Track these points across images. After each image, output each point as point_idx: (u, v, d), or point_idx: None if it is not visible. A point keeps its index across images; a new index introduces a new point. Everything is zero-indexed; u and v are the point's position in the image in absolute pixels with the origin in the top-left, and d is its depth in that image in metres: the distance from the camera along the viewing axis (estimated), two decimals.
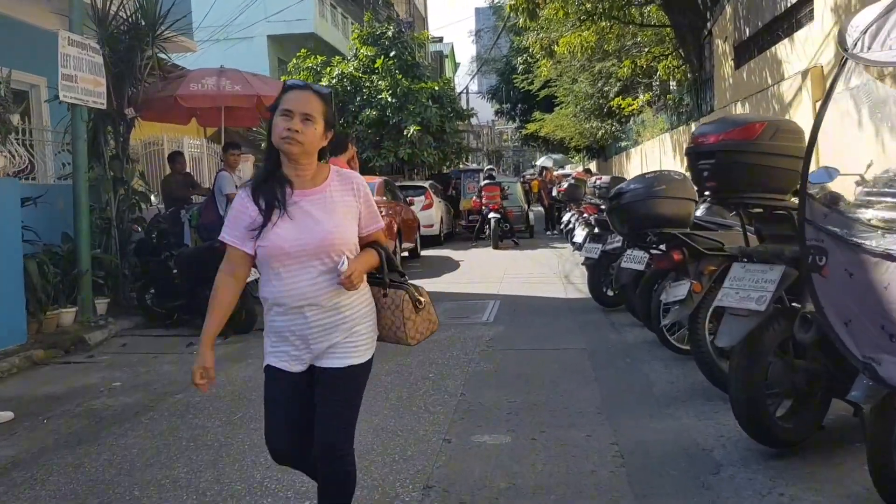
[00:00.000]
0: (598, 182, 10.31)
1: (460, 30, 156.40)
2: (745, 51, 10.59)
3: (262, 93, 8.37)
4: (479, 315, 7.56)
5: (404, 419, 4.18)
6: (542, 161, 32.48)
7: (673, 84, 17.72)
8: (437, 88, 19.78)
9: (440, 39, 57.90)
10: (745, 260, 3.35)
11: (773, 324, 3.24)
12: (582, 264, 8.11)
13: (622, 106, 16.79)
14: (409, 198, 15.02)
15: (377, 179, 13.15)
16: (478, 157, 59.42)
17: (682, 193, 4.77)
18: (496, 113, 37.38)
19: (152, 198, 7.97)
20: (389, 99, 19.08)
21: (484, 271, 11.92)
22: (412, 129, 18.39)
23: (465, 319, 7.38)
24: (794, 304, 3.38)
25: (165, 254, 7.88)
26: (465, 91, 33.17)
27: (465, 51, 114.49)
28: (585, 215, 11.75)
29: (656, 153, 16.86)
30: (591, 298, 7.75)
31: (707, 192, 3.33)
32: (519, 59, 29.97)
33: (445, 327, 6.93)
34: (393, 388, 4.87)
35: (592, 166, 38.21)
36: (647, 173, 5.16)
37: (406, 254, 14.46)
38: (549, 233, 19.25)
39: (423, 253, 15.65)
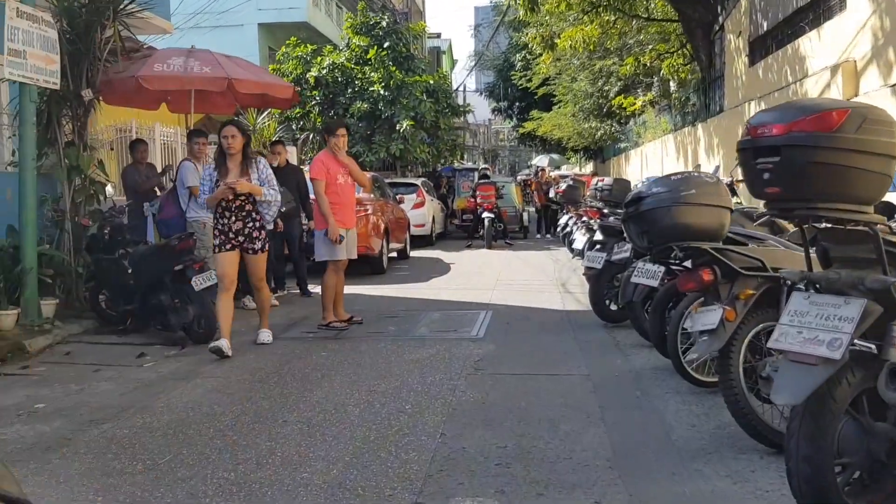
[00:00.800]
0: (599, 184, 9.55)
1: (459, 27, 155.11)
2: (761, 46, 9.85)
3: (234, 76, 7.57)
4: (467, 329, 6.78)
5: (369, 471, 3.39)
6: (538, 160, 31.71)
7: (673, 85, 17.00)
8: (431, 82, 18.99)
9: (438, 35, 57.19)
10: (810, 289, 2.58)
11: (847, 374, 2.47)
12: (583, 274, 7.31)
13: (623, 105, 16.05)
14: (399, 195, 14.21)
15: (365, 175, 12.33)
16: (474, 155, 58.75)
17: (715, 200, 3.99)
18: (493, 111, 36.57)
19: (108, 188, 7.16)
20: (382, 92, 18.28)
21: (475, 276, 11.14)
22: (405, 124, 17.59)
23: (451, 333, 6.59)
24: (869, 346, 2.59)
25: (120, 251, 7.06)
26: (461, 88, 32.35)
27: (464, 48, 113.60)
28: (585, 219, 11.00)
29: (658, 155, 16.12)
30: (593, 312, 6.97)
31: (767, 200, 2.54)
32: (517, 55, 29.24)
33: (429, 343, 6.14)
34: (361, 424, 4.08)
35: (588, 168, 37.50)
36: (674, 175, 4.37)
37: (395, 254, 13.67)
38: (540, 236, 18.47)
39: (413, 254, 14.85)
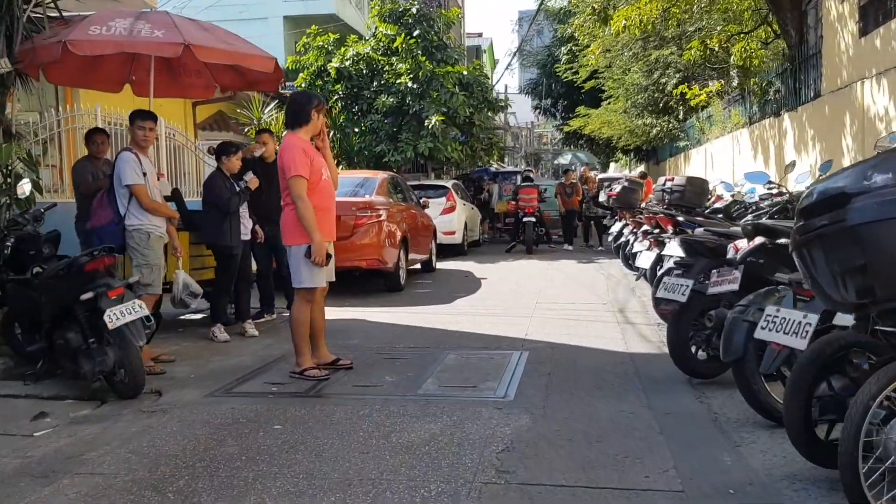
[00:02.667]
0: (668, 184, 7.55)
1: (500, 27, 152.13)
2: (880, 9, 7.70)
3: (193, 42, 5.78)
4: (492, 382, 4.83)
5: None
6: (565, 160, 29.27)
7: (732, 74, 14.76)
8: (465, 73, 17.08)
9: (479, 34, 55.34)
10: None
11: None
12: (657, 308, 5.23)
13: (687, 95, 13.89)
14: (424, 199, 12.33)
15: (379, 176, 10.50)
16: (515, 158, 56.63)
17: None
18: (535, 108, 34.46)
19: (24, 186, 5.44)
20: (410, 84, 16.48)
21: (510, 295, 9.17)
22: (434, 120, 15.73)
23: (469, 391, 4.65)
24: None
25: (36, 269, 5.31)
26: (500, 85, 30.38)
27: (505, 48, 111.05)
28: (646, 228, 8.97)
29: (727, 153, 13.94)
30: (668, 356, 4.97)
31: None
32: (562, 49, 27.16)
33: (435, 410, 4.22)
34: None
35: (638, 170, 35.10)
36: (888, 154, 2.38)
37: (418, 266, 11.80)
38: (569, 247, 16.25)
39: (441, 265, 12.96)
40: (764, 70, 13.70)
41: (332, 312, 8.09)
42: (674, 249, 6.55)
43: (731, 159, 13.62)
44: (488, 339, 6.38)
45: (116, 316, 4.39)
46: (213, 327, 6.55)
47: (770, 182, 6.40)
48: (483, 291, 9.67)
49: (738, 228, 4.84)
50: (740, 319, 3.71)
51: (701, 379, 4.73)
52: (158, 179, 5.96)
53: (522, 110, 58.96)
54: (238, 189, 6.61)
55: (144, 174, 5.46)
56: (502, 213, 19.54)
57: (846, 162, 7.80)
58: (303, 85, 17.18)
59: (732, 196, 8.70)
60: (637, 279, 7.75)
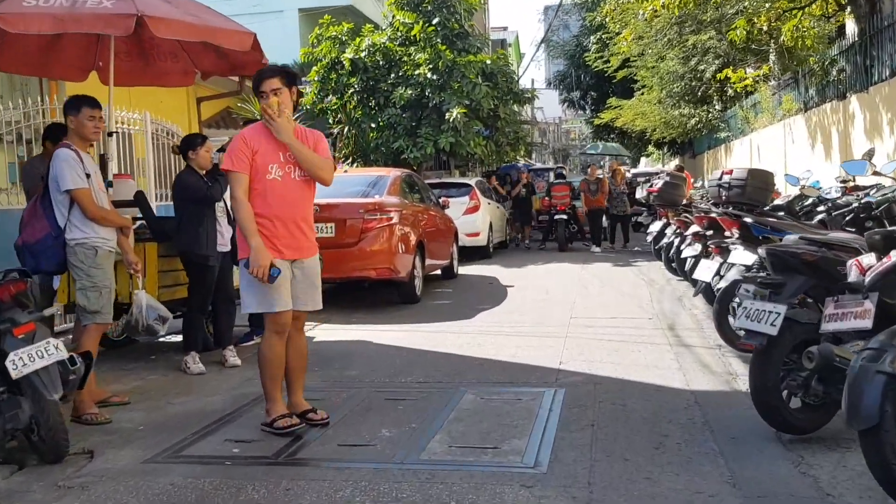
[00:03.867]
0: (725, 177, 6.36)
1: (527, 21, 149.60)
2: None
3: (149, 13, 4.75)
4: (518, 440, 3.70)
5: None
6: (594, 150, 27.77)
7: (774, 58, 13.42)
8: (489, 62, 15.92)
9: (504, 28, 54.08)
10: None
11: None
12: (742, 343, 3.93)
13: (732, 79, 12.58)
14: (444, 199, 11.22)
15: (391, 173, 9.41)
16: (543, 155, 55.25)
17: None
18: (563, 101, 33.12)
19: None
20: (429, 75, 15.36)
21: (540, 307, 8.03)
22: (455, 112, 14.60)
23: (487, 454, 3.52)
24: None
25: None
26: (526, 78, 29.15)
27: (531, 41, 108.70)
28: (696, 229, 7.77)
29: (778, 143, 12.62)
30: (749, 403, 3.80)
31: None
32: (591, 38, 25.86)
33: (441, 493, 3.10)
34: None
35: (672, 164, 33.52)
36: None
37: (438, 272, 10.72)
38: (596, 249, 14.78)
39: (464, 270, 11.86)
40: (816, 51, 12.36)
41: (334, 332, 7.05)
42: (742, 258, 5.38)
43: (782, 150, 12.30)
44: (515, 370, 5.25)
45: (23, 361, 3.36)
46: (186, 356, 5.52)
47: (867, 171, 5.16)
48: (509, 302, 8.54)
49: (845, 236, 3.65)
50: (872, 370, 2.55)
51: (794, 434, 3.56)
52: (108, 184, 4.93)
53: (550, 105, 57.63)
54: (216, 180, 5.56)
55: (88, 176, 4.42)
56: (536, 210, 18.74)
57: None
58: (315, 79, 16.22)
59: (801, 190, 7.48)
60: (696, 294, 6.52)
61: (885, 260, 2.74)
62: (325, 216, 8.13)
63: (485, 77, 15.67)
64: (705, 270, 5.75)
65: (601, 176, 15.28)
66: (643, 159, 45.22)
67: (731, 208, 6.92)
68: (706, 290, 6.09)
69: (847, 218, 5.68)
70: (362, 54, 15.83)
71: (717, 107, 19.42)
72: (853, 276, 2.93)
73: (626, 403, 4.30)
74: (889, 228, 2.87)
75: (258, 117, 11.49)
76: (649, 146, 35.04)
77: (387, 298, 8.80)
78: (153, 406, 4.62)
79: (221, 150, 6.46)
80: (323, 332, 7.05)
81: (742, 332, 4.17)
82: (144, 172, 9.23)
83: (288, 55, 18.75)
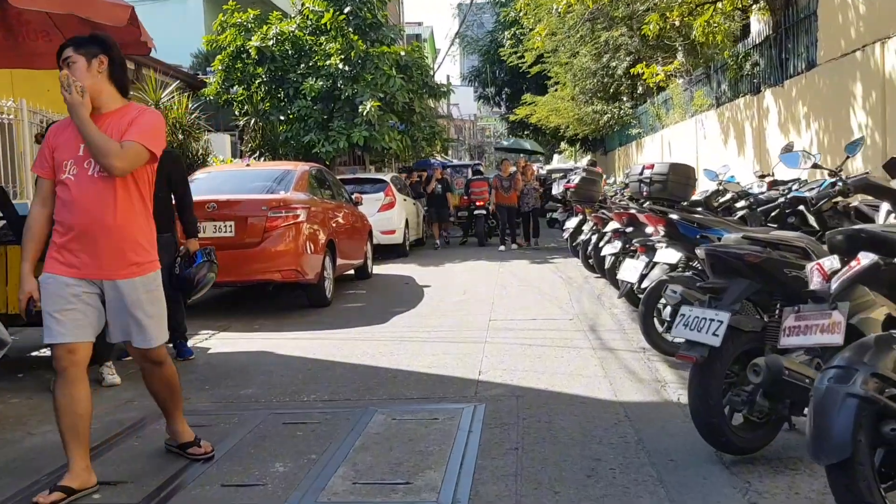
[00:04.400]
0: (646, 172, 6.11)
1: (441, 17, 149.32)
2: None
3: None
4: (435, 470, 3.24)
5: None
6: (503, 143, 27.54)
7: (680, 55, 13.56)
8: (403, 54, 15.43)
9: (419, 23, 53.60)
10: None
11: None
12: (682, 355, 3.56)
13: (644, 75, 12.55)
14: (357, 195, 10.67)
15: (298, 168, 8.78)
16: (459, 152, 55.16)
17: None
18: (478, 97, 32.98)
19: None
20: (341, 66, 14.75)
21: (459, 309, 7.62)
22: (369, 106, 14.04)
23: (399, 493, 3.04)
24: None
25: None
26: (441, 74, 28.78)
27: (446, 36, 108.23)
28: (615, 226, 7.54)
29: (689, 139, 12.68)
30: (687, 418, 3.49)
31: None
32: (506, 33, 25.74)
33: None
34: None
35: (584, 161, 33.90)
36: None
37: (352, 272, 10.17)
38: (502, 248, 14.19)
39: (380, 269, 11.36)
40: (725, 47, 12.49)
41: (234, 342, 6.41)
42: (668, 257, 5.10)
43: (693, 146, 12.37)
44: (431, 382, 4.79)
45: None
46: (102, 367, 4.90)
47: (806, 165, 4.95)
48: (425, 304, 8.09)
49: (788, 234, 3.37)
50: (842, 393, 2.22)
51: (736, 454, 3.25)
52: None
53: (466, 102, 57.58)
54: None
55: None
56: (455, 207, 18.79)
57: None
58: (220, 68, 15.31)
59: (720, 185, 7.33)
60: (620, 296, 6.20)
61: (853, 264, 2.42)
62: (224, 214, 7.47)
63: (399, 70, 15.18)
64: (630, 271, 5.46)
65: (514, 172, 14.68)
66: (556, 156, 45.79)
67: (650, 204, 6.71)
68: (629, 292, 5.80)
69: (772, 214, 5.50)
70: (270, 43, 15.04)
71: (628, 104, 19.57)
72: (816, 282, 2.60)
73: (552, 420, 3.91)
74: (854, 227, 2.54)
75: (148, 104, 10.65)
76: (562, 143, 35.42)
77: (294, 302, 8.20)
78: (6, 439, 3.92)
79: (38, 140, 5.74)
80: (221, 343, 6.40)
81: (676, 340, 3.86)
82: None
83: (192, 44, 17.73)
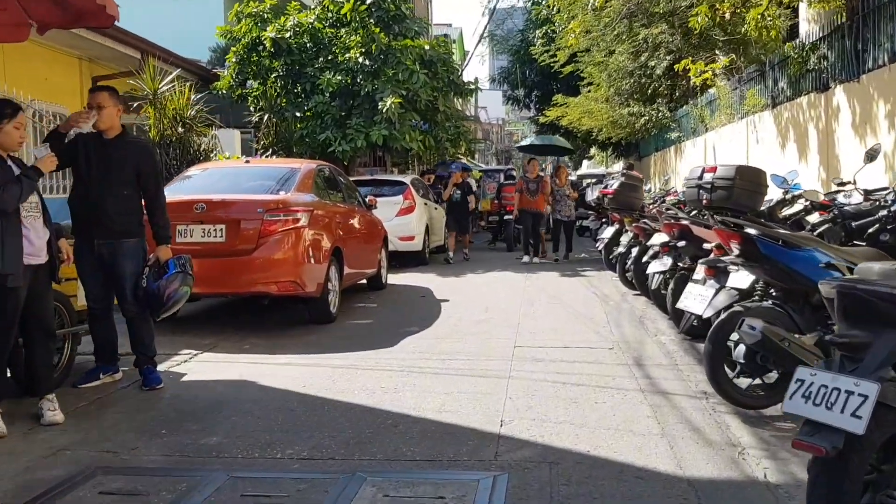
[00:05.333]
0: (706, 176, 5.09)
1: (471, 19, 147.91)
2: None
3: None
4: None
5: None
6: (527, 141, 24.44)
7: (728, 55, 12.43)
8: (427, 48, 14.48)
9: (448, 25, 52.78)
10: None
11: None
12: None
13: (691, 72, 11.47)
14: (371, 198, 9.72)
15: (304, 166, 7.83)
16: (486, 156, 54.13)
17: None
18: (506, 98, 31.92)
19: None
20: (361, 60, 13.85)
21: (479, 330, 6.62)
22: (390, 102, 13.11)
23: None
24: None
25: None
26: (469, 75, 27.77)
27: (473, 35, 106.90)
28: (663, 238, 6.51)
29: (739, 143, 11.56)
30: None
31: None
32: (537, 32, 24.69)
33: None
34: None
35: (617, 166, 32.66)
36: None
37: (364, 281, 9.25)
38: (527, 258, 12.56)
39: (394, 279, 10.40)
40: (777, 43, 11.35)
41: (216, 367, 5.45)
42: (740, 281, 4.07)
43: (743, 150, 11.24)
44: (440, 435, 3.79)
45: None
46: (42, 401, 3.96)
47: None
48: (442, 324, 7.10)
49: None
50: None
51: None
52: None
53: (494, 105, 56.63)
54: (19, 172, 3.97)
55: None
56: (485, 211, 18.54)
57: None
58: (234, 60, 14.50)
59: (790, 194, 6.27)
60: (682, 330, 4.97)
61: None
62: (214, 216, 6.56)
63: (423, 65, 14.24)
64: (696, 300, 4.39)
65: (543, 175, 13.39)
66: (585, 162, 44.50)
67: (710, 214, 5.66)
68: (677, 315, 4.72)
69: (869, 231, 4.43)
70: (287, 35, 14.20)
71: (666, 106, 18.42)
72: None
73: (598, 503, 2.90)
74: None
75: (147, 93, 9.82)
76: (592, 148, 34.21)
77: (295, 317, 7.28)
78: None
79: (47, 139, 4.86)
80: (200, 367, 5.48)
81: (756, 392, 2.82)
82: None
83: (211, 38, 16.91)
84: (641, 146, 22.70)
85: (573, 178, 20.99)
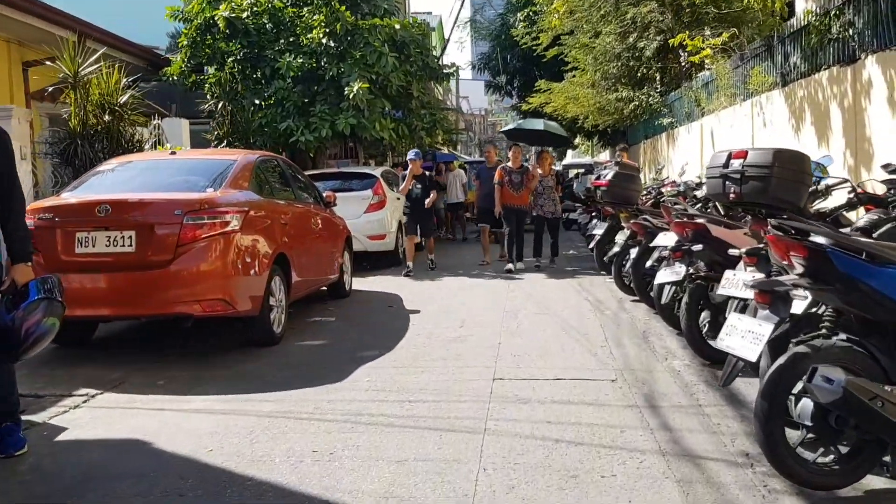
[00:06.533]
0: (734, 164, 4.01)
1: (451, 5, 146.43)
2: None
3: None
4: None
5: None
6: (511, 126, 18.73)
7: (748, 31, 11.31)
8: (398, 27, 13.21)
9: (428, 13, 51.36)
10: None
11: None
12: None
13: (688, 48, 10.29)
14: (329, 193, 8.47)
15: (242, 157, 6.56)
16: (469, 148, 52.82)
17: None
18: (487, 86, 30.65)
19: None
20: (325, 41, 12.58)
21: (451, 353, 5.43)
22: (357, 87, 11.86)
23: None
24: None
25: None
26: (443, 54, 26.49)
27: (449, 17, 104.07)
28: (672, 239, 5.36)
29: (743, 128, 10.43)
30: None
31: None
32: (518, 15, 23.45)
33: None
34: None
35: (602, 156, 31.49)
36: None
37: (324, 288, 8.07)
38: (511, 265, 10.28)
39: (361, 285, 9.22)
40: (776, 20, 10.25)
41: (110, 414, 4.14)
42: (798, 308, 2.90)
43: (748, 135, 10.10)
44: None
45: None
46: None
47: None
48: (407, 344, 5.90)
49: None
50: None
51: None
52: None
53: (475, 96, 55.30)
54: None
55: None
56: (470, 204, 17.04)
57: None
58: (185, 43, 13.19)
59: (823, 185, 5.13)
60: (726, 382, 3.59)
61: None
62: (121, 220, 5.32)
63: (394, 47, 12.98)
64: (746, 339, 3.09)
65: (527, 165, 11.17)
66: (570, 152, 43.34)
67: (731, 211, 4.52)
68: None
69: None
70: (243, 14, 12.89)
71: (657, 90, 17.29)
72: None
73: None
74: None
75: (66, 75, 8.49)
76: (577, 137, 33.04)
77: (230, 338, 6.06)
78: None
79: None
80: (91, 415, 4.25)
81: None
82: None
83: (169, 24, 15.48)
84: (629, 134, 21.56)
85: (557, 168, 19.52)
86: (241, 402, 4.42)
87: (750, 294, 3.23)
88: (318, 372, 5.10)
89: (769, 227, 3.09)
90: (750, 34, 11.49)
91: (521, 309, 7.38)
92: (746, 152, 4.12)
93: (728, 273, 4.17)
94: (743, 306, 3.72)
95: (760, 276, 3.67)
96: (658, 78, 17.67)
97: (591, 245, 9.78)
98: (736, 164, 4.13)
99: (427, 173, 10.50)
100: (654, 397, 4.29)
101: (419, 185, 10.51)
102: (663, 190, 9.99)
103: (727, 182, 4.17)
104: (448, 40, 25.79)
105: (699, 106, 13.02)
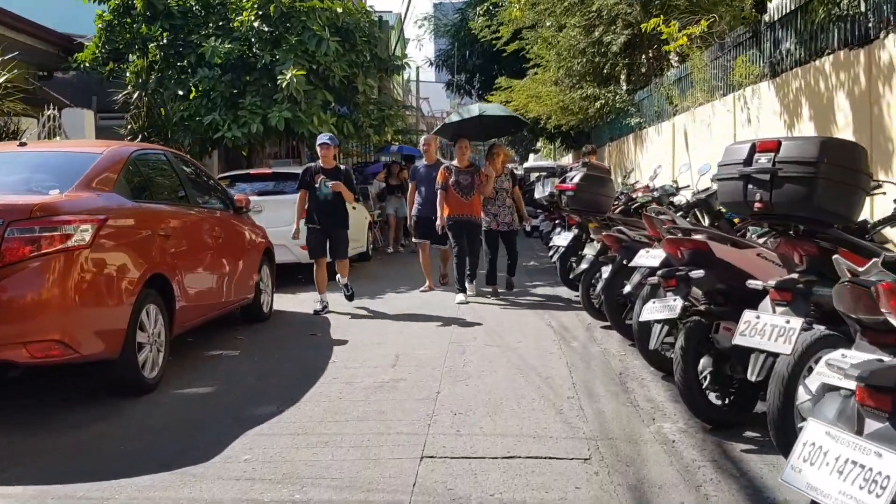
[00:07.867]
0: (760, 159, 3.02)
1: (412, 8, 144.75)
2: None
3: None
4: None
5: None
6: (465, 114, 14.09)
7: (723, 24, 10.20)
8: (340, 11, 11.82)
9: (388, 12, 49.96)
10: None
11: None
12: None
13: (664, 35, 9.11)
14: (239, 196, 7.02)
15: (106, 149, 5.10)
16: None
17: None
18: (447, 85, 29.35)
19: None
20: (257, 25, 11.16)
21: (373, 408, 4.09)
22: (291, 76, 10.45)
23: None
24: None
25: None
26: (395, 48, 25.14)
27: (415, 22, 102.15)
28: (658, 258, 4.09)
29: (723, 125, 9.29)
30: None
31: None
32: (479, 8, 22.22)
33: None
34: None
35: (566, 160, 30.36)
36: None
37: (236, 309, 6.65)
38: (462, 296, 7.94)
39: (288, 304, 7.85)
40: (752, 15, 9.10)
41: None
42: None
43: (729, 134, 8.95)
44: None
45: None
46: None
47: None
48: (318, 395, 4.52)
49: None
50: None
51: None
52: None
53: (436, 97, 53.98)
54: None
55: None
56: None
57: None
58: (100, 27, 11.64)
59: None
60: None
61: None
62: None
63: (338, 34, 11.60)
64: (831, 476, 1.73)
65: (477, 163, 8.74)
66: (531, 155, 42.30)
67: (747, 228, 3.29)
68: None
69: None
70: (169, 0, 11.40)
71: (624, 87, 16.19)
72: None
73: None
74: None
75: None
76: (539, 140, 31.96)
77: (83, 380, 4.63)
78: None
79: None
80: None
81: None
82: None
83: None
84: (594, 135, 20.45)
85: (518, 172, 18.01)
86: (48, 499, 3.02)
87: (850, 384, 1.90)
88: (183, 441, 3.72)
89: (841, 263, 1.80)
90: (730, 20, 10.35)
91: (469, 340, 6.06)
92: (779, 143, 2.87)
93: (749, 315, 2.93)
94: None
95: (798, 320, 2.43)
96: (625, 75, 16.58)
97: (554, 257, 8.52)
98: (763, 160, 2.87)
99: (342, 167, 7.77)
100: (643, 490, 3.00)
101: (329, 183, 7.37)
102: (634, 196, 8.83)
103: (750, 186, 2.92)
104: (403, 33, 24.41)
105: (671, 104, 11.89)
